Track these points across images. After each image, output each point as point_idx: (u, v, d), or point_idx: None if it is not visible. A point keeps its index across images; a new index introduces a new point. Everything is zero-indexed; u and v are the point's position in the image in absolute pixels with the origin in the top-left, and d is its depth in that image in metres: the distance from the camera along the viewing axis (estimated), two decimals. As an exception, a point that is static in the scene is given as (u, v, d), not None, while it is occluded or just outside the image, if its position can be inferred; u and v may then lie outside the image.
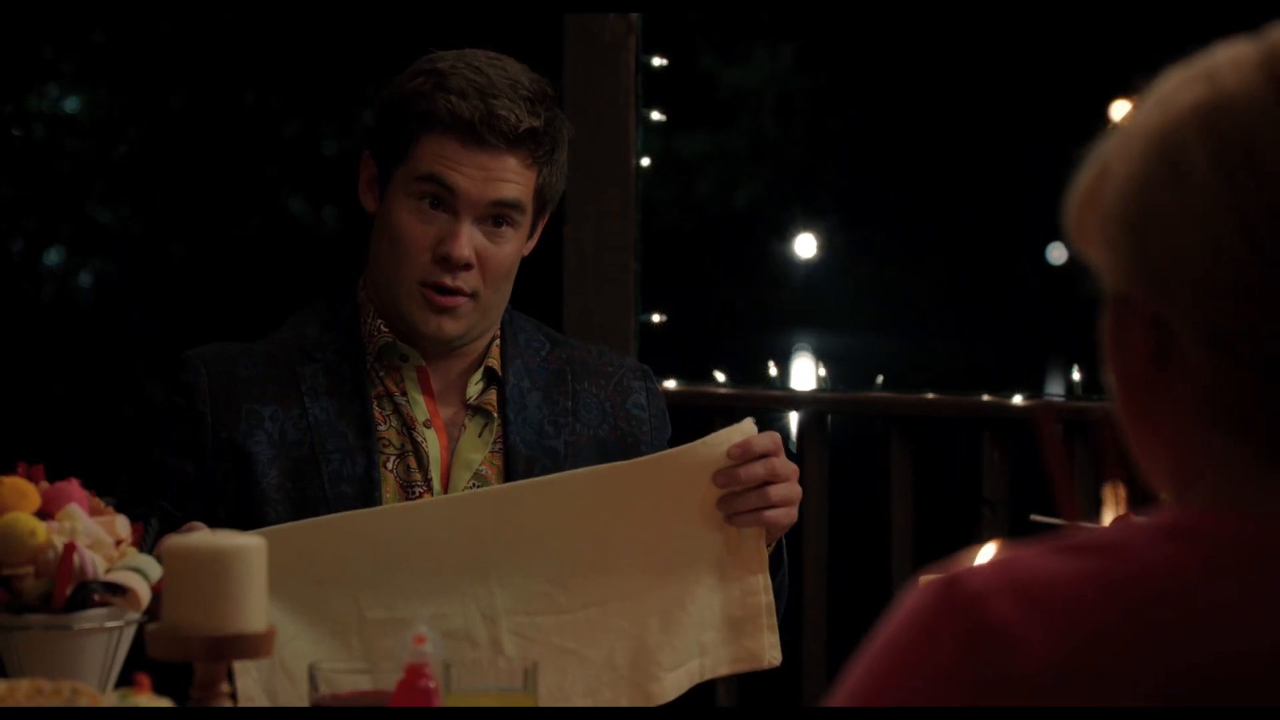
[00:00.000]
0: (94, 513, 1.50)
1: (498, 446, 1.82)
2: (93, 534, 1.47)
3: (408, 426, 1.81)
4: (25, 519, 1.45)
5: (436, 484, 1.80)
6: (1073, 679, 0.76)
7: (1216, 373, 0.81)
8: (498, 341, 1.86)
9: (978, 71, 14.05)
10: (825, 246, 13.68)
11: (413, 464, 1.80)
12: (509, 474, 1.81)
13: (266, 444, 1.77)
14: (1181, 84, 0.85)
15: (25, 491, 1.48)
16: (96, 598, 1.45)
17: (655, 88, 2.85)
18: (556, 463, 1.81)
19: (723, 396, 2.89)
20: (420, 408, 1.81)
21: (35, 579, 1.45)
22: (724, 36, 12.02)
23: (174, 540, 1.33)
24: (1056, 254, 15.76)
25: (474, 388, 1.83)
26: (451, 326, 1.79)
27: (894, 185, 14.46)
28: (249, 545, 1.32)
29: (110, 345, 8.37)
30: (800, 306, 13.86)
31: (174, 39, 8.59)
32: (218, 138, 8.55)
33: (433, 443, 1.81)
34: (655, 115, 2.85)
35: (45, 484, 1.50)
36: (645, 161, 2.86)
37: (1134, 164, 0.84)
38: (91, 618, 1.44)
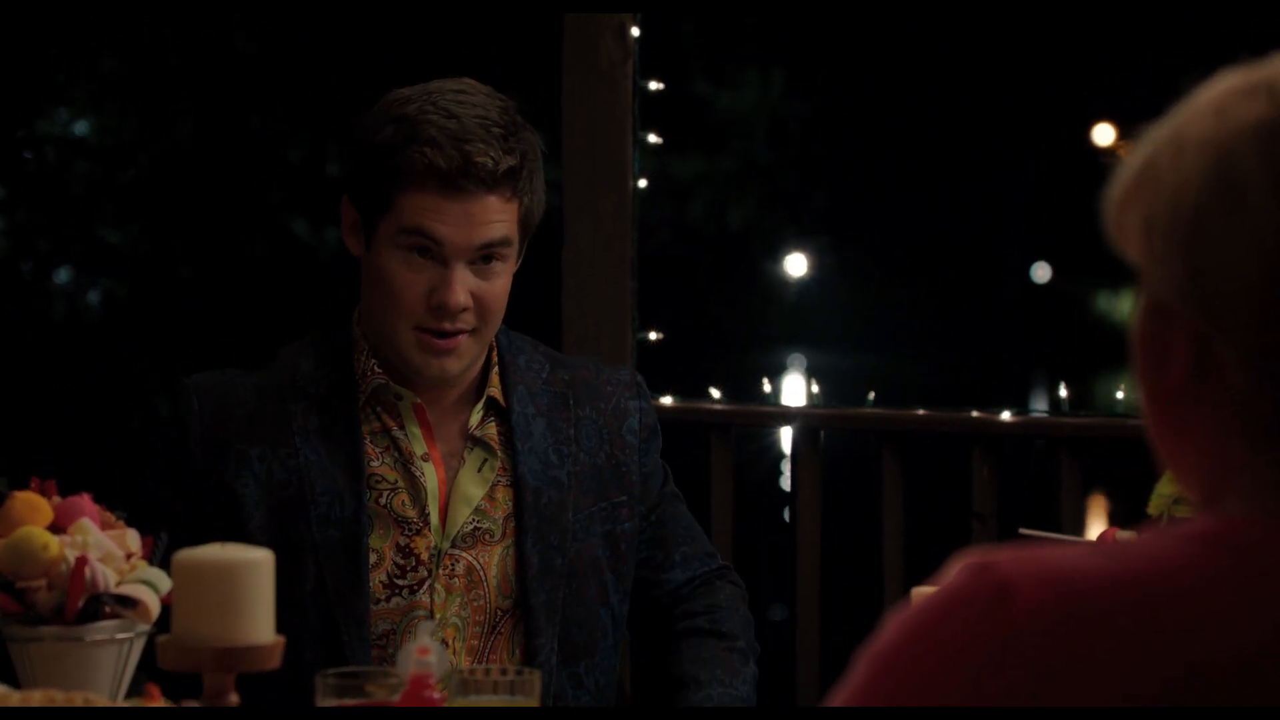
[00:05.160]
0: (105, 527, 1.52)
1: (500, 479, 1.81)
2: (104, 548, 1.49)
3: (405, 460, 1.79)
4: (38, 533, 1.48)
5: (434, 518, 1.79)
6: (1089, 670, 0.77)
7: (1255, 392, 0.81)
8: (496, 369, 1.84)
9: (963, 95, 14.11)
10: (816, 266, 13.71)
11: (407, 500, 1.78)
12: (519, 505, 1.80)
13: (254, 485, 1.76)
14: (1240, 95, 0.82)
15: (38, 506, 1.50)
16: (107, 610, 1.47)
17: (651, 111, 2.88)
18: (561, 493, 1.81)
19: (717, 413, 2.92)
20: (418, 442, 1.79)
21: (48, 592, 1.47)
22: (717, 62, 12.07)
23: (184, 554, 1.35)
24: (1040, 273, 15.80)
25: (475, 417, 1.82)
26: (454, 365, 1.77)
27: (882, 206, 14.52)
28: (257, 558, 1.35)
29: (119, 363, 8.38)
30: (792, 325, 13.88)
31: (182, 66, 8.64)
32: (224, 161, 8.59)
33: (430, 476, 1.79)
34: (652, 138, 2.88)
35: (57, 499, 1.52)
36: (642, 183, 2.89)
37: (1187, 176, 0.82)
38: (103, 629, 1.47)
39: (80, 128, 8.95)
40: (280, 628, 1.37)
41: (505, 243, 1.76)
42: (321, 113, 8.71)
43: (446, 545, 1.79)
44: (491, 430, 1.82)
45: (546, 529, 1.80)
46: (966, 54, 13.67)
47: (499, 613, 1.80)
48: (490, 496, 1.81)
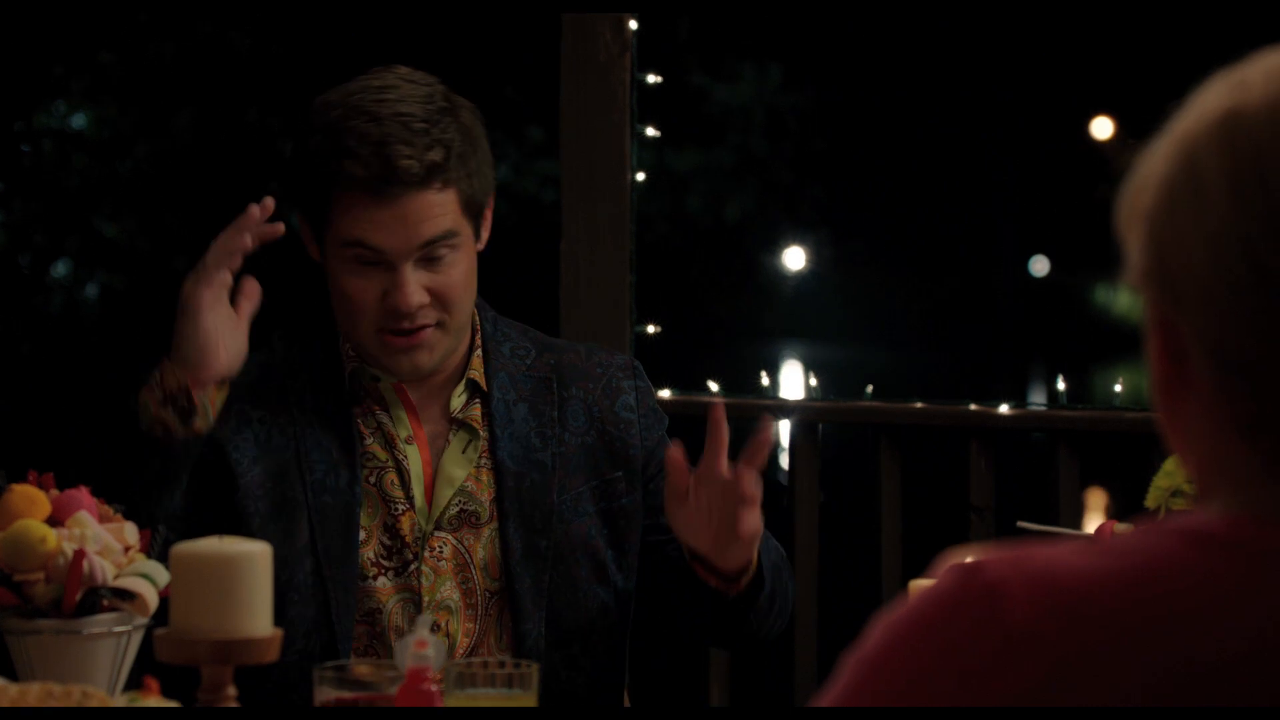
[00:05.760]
0: (103, 520, 1.52)
1: (484, 461, 1.81)
2: (102, 541, 1.49)
3: (389, 442, 1.79)
4: (36, 526, 1.48)
5: (419, 500, 1.78)
6: (1080, 672, 0.77)
7: (1221, 383, 0.81)
8: (479, 352, 1.83)
9: (961, 89, 14.11)
10: (813, 259, 13.73)
11: (395, 480, 1.79)
12: (499, 490, 1.80)
13: (252, 442, 1.77)
14: (1219, 89, 0.84)
15: (35, 499, 1.51)
16: (105, 603, 1.47)
17: (649, 104, 2.88)
18: (544, 476, 1.80)
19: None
20: (403, 424, 1.79)
21: (45, 584, 1.47)
22: (715, 55, 12.06)
23: (182, 547, 1.35)
24: (1039, 266, 15.80)
25: (457, 400, 1.81)
26: (424, 358, 1.76)
27: (880, 199, 14.52)
28: (255, 551, 1.35)
29: (116, 355, 8.40)
30: (789, 317, 13.89)
31: (178, 60, 8.64)
32: (220, 154, 8.59)
33: (414, 459, 1.79)
34: (650, 131, 2.89)
35: (55, 492, 1.52)
36: (640, 176, 2.89)
37: (1162, 168, 0.83)
38: (100, 622, 1.47)
39: (77, 121, 8.95)
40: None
41: (449, 235, 1.73)
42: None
43: (430, 528, 1.79)
44: (475, 412, 1.81)
45: (529, 512, 1.80)
46: (965, 47, 13.66)
47: (488, 595, 1.80)
48: (476, 478, 1.81)
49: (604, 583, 1.83)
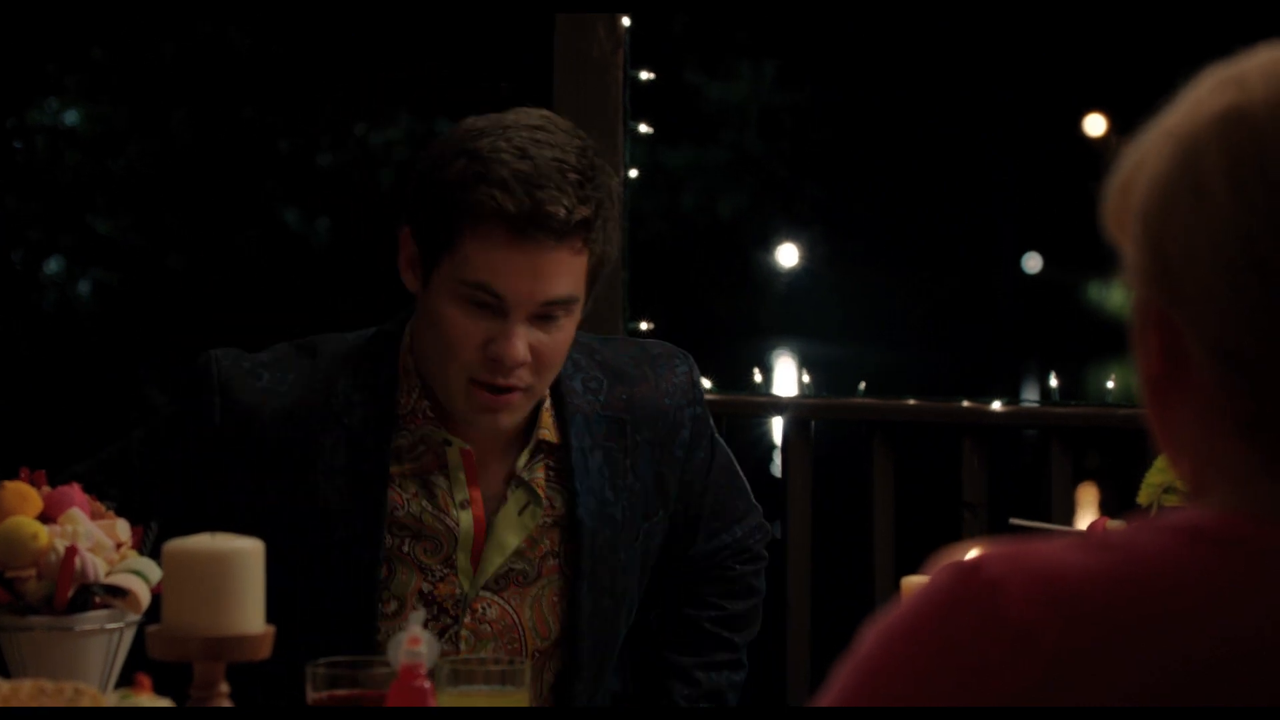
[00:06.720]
0: (95, 517, 1.52)
1: (545, 521, 1.73)
2: (94, 537, 1.49)
3: (439, 509, 1.71)
4: (28, 523, 1.48)
5: (463, 562, 1.71)
6: (1079, 670, 0.77)
7: (1222, 384, 0.81)
8: (549, 405, 1.73)
9: (955, 86, 14.12)
10: (807, 256, 13.73)
11: (429, 547, 1.71)
12: (576, 549, 1.72)
13: (265, 517, 1.65)
14: (1216, 86, 0.84)
15: (27, 496, 1.50)
16: (97, 600, 1.47)
17: (642, 101, 2.89)
18: (614, 531, 1.74)
19: (710, 402, 2.92)
20: (460, 487, 1.71)
21: (37, 581, 1.47)
22: (709, 52, 12.07)
23: (174, 543, 1.34)
24: (1032, 264, 15.83)
25: (523, 459, 1.73)
26: (506, 420, 1.68)
27: (874, 197, 14.52)
28: (247, 548, 1.35)
29: (110, 352, 8.41)
30: (783, 315, 13.90)
31: (173, 56, 8.65)
32: (216, 152, 8.60)
33: (465, 522, 1.71)
34: (643, 128, 2.89)
35: (47, 488, 1.52)
36: (633, 173, 2.89)
37: (1160, 166, 0.83)
38: (92, 619, 1.47)
39: (70, 117, 8.94)
40: (285, 661, 1.35)
41: (570, 299, 1.65)
42: (313, 104, 8.72)
43: (474, 592, 1.73)
44: (539, 475, 1.73)
45: (600, 570, 1.74)
46: (958, 44, 13.67)
47: (535, 655, 1.75)
48: (532, 538, 1.73)
49: (627, 621, 1.81)
